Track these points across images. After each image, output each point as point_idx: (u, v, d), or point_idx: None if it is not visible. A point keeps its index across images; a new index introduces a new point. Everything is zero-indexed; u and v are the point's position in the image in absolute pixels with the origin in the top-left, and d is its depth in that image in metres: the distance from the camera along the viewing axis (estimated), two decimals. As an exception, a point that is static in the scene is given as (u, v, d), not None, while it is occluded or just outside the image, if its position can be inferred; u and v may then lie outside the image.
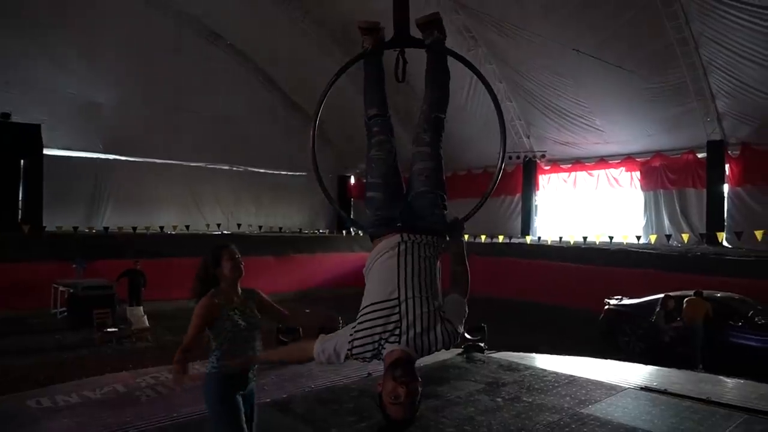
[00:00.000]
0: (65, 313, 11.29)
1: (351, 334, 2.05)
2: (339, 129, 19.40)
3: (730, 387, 5.80)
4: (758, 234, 11.83)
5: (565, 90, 14.66)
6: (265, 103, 18.63)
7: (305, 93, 18.92)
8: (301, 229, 19.24)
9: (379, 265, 2.16)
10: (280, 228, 18.89)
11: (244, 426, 2.86)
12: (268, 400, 5.04)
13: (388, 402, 1.90)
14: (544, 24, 13.13)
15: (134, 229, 15.05)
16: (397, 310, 2.02)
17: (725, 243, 13.02)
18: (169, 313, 12.55)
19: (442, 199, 2.33)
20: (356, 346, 2.02)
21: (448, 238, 2.34)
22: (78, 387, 5.37)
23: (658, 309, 9.35)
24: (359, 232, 20.27)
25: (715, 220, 13.30)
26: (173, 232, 15.84)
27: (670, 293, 9.54)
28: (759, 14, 10.61)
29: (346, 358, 2.07)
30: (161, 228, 15.64)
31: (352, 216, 21.69)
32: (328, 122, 19.98)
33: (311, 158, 2.64)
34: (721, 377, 6.34)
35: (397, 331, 1.99)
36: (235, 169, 18.41)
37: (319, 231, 19.60)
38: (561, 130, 15.92)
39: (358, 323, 2.05)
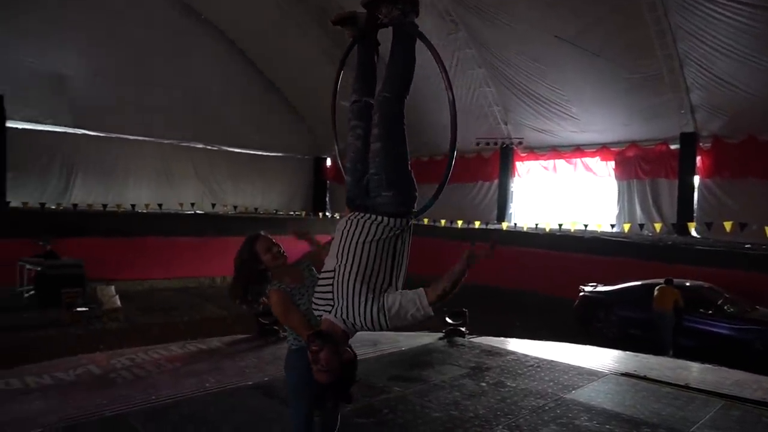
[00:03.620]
0: (32, 292, 10.88)
1: (314, 297, 2.33)
2: (315, 111, 19.16)
3: (705, 373, 5.96)
4: (727, 225, 12.15)
5: (544, 77, 14.68)
6: (240, 81, 18.14)
7: (282, 72, 18.54)
8: (276, 211, 18.97)
9: (333, 241, 2.34)
10: (256, 209, 18.59)
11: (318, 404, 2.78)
12: (250, 383, 4.96)
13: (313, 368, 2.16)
14: (526, 10, 13.09)
15: (104, 206, 14.58)
16: (331, 281, 2.22)
17: (695, 233, 13.35)
18: (142, 294, 12.32)
19: (390, 181, 2.27)
20: (314, 307, 2.30)
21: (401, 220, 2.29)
22: (50, 368, 5.17)
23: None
24: (335, 214, 20.20)
25: (685, 211, 13.59)
26: (145, 211, 15.41)
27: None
28: (736, 10, 10.76)
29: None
30: (133, 206, 15.20)
31: (327, 198, 21.53)
32: (304, 104, 19.68)
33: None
34: (694, 363, 6.52)
35: (330, 302, 2.21)
36: (209, 147, 17.94)
37: (294, 213, 19.36)
38: (538, 118, 15.98)
39: (315, 290, 2.33)
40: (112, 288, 10.31)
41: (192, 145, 17.52)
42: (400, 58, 2.38)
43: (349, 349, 2.23)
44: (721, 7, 10.83)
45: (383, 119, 2.32)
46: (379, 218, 2.24)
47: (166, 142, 16.86)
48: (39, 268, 10.65)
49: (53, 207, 14.28)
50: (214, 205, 17.44)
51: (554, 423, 4.15)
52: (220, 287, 14.12)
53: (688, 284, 9.74)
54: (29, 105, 14.28)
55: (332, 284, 2.21)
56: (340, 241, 2.26)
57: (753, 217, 11.93)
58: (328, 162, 21.52)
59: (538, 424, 4.14)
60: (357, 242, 2.20)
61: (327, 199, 21.48)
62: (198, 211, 16.75)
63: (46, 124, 14.79)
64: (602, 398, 4.76)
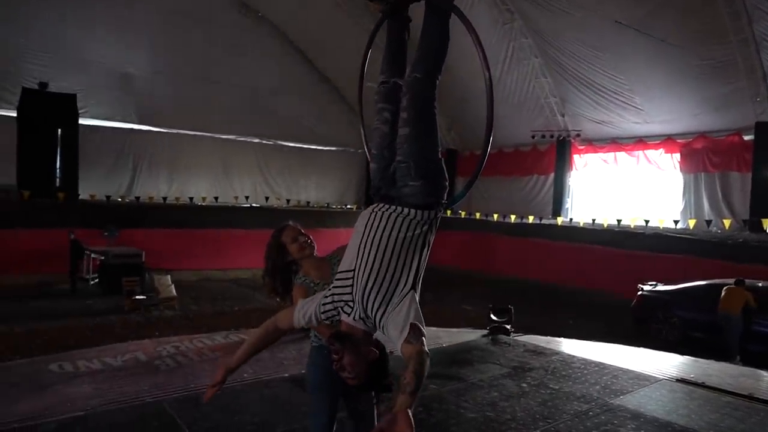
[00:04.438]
0: (96, 280, 11.52)
1: (322, 300, 2.11)
2: (369, 104, 19.20)
3: (772, 382, 5.47)
4: (806, 222, 11.21)
5: (603, 66, 14.01)
6: (295, 76, 18.43)
7: (336, 67, 18.66)
8: (329, 204, 19.18)
9: (353, 235, 2.14)
10: (308, 202, 18.87)
11: (341, 404, 2.75)
12: (287, 375, 4.99)
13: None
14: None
15: (164, 199, 15.21)
16: (351, 281, 2.03)
17: (769, 230, 12.39)
18: (195, 284, 12.76)
19: (419, 169, 2.08)
20: (323, 311, 2.09)
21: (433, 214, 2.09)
22: (100, 353, 5.42)
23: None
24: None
25: (760, 206, 12.63)
26: (202, 204, 15.96)
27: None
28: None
29: (318, 322, 2.13)
30: (191, 199, 15.78)
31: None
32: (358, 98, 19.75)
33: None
34: (763, 372, 6.00)
35: (351, 303, 2.02)
36: (264, 142, 18.36)
37: (346, 206, 19.51)
38: (598, 109, 15.30)
39: (329, 290, 2.11)
40: (169, 277, 10.70)
41: (248, 139, 17.99)
42: (434, 35, 2.20)
43: (373, 348, 2.02)
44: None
45: (413, 102, 2.15)
46: (406, 211, 2.06)
47: (224, 137, 17.39)
48: (103, 257, 11.24)
49: (118, 200, 15.04)
50: (267, 199, 17.85)
51: (597, 430, 3.91)
52: (269, 279, 14.43)
53: (760, 285, 9.02)
54: (100, 103, 15.12)
55: (351, 285, 2.04)
56: (363, 235, 2.08)
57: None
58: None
59: (579, 430, 3.91)
60: (381, 238, 2.02)
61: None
62: (253, 204, 17.19)
63: (113, 121, 15.60)
64: (653, 405, 4.45)
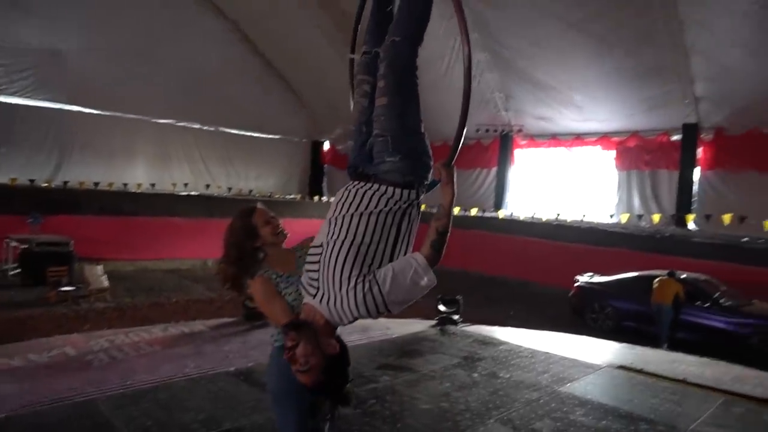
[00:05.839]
0: (17, 270, 10.66)
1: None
2: (315, 93, 18.82)
3: (703, 367, 5.78)
4: (726, 218, 11.97)
5: (547, 63, 14.36)
6: (239, 61, 17.71)
7: (282, 54, 18.16)
8: (272, 194, 18.71)
9: (327, 214, 1.96)
10: (251, 191, 18.33)
11: (312, 410, 2.41)
12: (231, 369, 4.77)
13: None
14: (533, -8, 12.75)
15: (96, 184, 14.30)
16: (318, 258, 1.85)
17: (693, 225, 13.19)
18: (131, 274, 12.11)
19: (397, 143, 1.90)
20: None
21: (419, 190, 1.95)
22: (23, 349, 4.97)
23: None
24: (332, 198, 19.96)
25: (684, 203, 13.42)
26: (137, 191, 15.14)
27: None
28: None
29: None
30: (125, 185, 14.93)
31: (324, 183, 21.28)
32: (304, 86, 19.34)
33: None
34: (691, 357, 6.35)
35: (315, 283, 1.84)
36: (206, 128, 17.61)
37: (290, 196, 19.11)
38: (540, 105, 15.70)
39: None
40: (100, 267, 10.07)
41: (188, 125, 17.19)
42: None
43: (333, 341, 1.83)
44: (731, -3, 10.54)
45: (391, 69, 1.96)
46: (383, 188, 1.87)
47: (161, 121, 16.54)
48: (25, 246, 10.42)
49: (44, 184, 14.00)
50: (208, 186, 17.18)
51: (548, 417, 3.98)
52: (211, 269, 13.92)
53: (684, 276, 9.58)
54: (23, 80, 13.95)
55: (319, 261, 1.83)
56: (334, 212, 1.90)
57: (752, 211, 11.76)
58: (326, 146, 21.26)
59: (531, 418, 3.96)
60: (353, 213, 1.83)
61: (324, 184, 21.25)
62: (192, 192, 16.49)
63: (38, 99, 14.46)
64: (598, 392, 4.58)
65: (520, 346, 5.92)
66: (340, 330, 1.94)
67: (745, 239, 11.50)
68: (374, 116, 1.99)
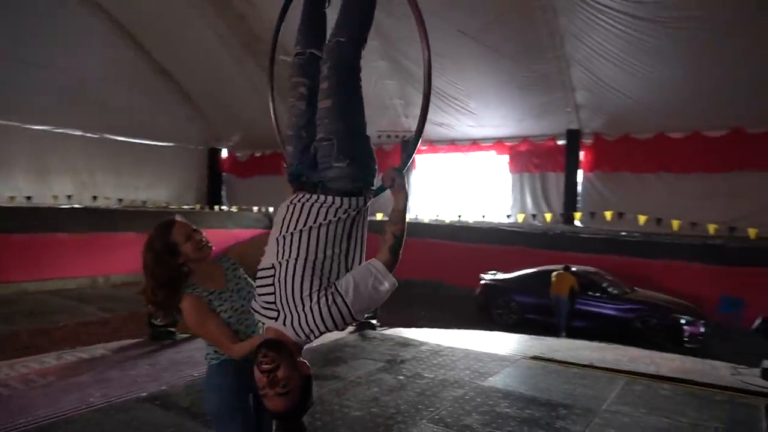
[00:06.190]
0: None
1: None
2: (211, 100, 18.01)
3: (603, 352, 6.29)
4: (607, 214, 13.23)
5: (444, 72, 14.92)
6: (127, 65, 16.45)
7: (175, 58, 17.18)
8: (167, 204, 17.63)
9: (272, 232, 1.88)
10: (144, 202, 17.13)
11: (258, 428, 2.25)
12: (144, 394, 4.39)
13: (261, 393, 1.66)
14: (428, 2, 13.17)
15: (-44, 199, 12.61)
16: (272, 281, 1.78)
17: (579, 222, 14.36)
18: (7, 298, 10.82)
19: (343, 148, 1.85)
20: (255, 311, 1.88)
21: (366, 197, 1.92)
22: None
23: None
24: (232, 208, 19.20)
25: (571, 202, 14.60)
26: (9, 205, 13.54)
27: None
28: (616, 17, 11.60)
29: None
30: (-7, 199, 13.32)
31: (223, 192, 20.43)
32: (199, 93, 18.45)
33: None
34: (591, 343, 6.88)
35: (273, 306, 1.77)
36: (90, 135, 16.17)
37: (186, 207, 18.12)
38: (438, 112, 16.27)
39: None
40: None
41: (69, 132, 15.69)
42: None
43: (305, 361, 1.77)
44: (602, 13, 11.60)
45: (335, 71, 1.90)
46: (329, 199, 1.82)
47: (38, 127, 14.94)
48: None
49: None
50: (95, 198, 15.80)
51: (476, 412, 4.09)
52: (103, 288, 12.79)
53: (574, 269, 10.38)
54: None
55: (273, 284, 1.77)
56: (281, 230, 1.82)
57: (628, 207, 13.11)
58: (224, 153, 20.46)
59: (461, 414, 4.05)
60: (301, 229, 1.77)
61: (223, 193, 20.41)
62: (75, 205, 15.06)
63: None
64: (518, 383, 4.81)
65: (440, 345, 6.06)
66: None
67: (624, 233, 12.73)
68: (317, 119, 1.93)
